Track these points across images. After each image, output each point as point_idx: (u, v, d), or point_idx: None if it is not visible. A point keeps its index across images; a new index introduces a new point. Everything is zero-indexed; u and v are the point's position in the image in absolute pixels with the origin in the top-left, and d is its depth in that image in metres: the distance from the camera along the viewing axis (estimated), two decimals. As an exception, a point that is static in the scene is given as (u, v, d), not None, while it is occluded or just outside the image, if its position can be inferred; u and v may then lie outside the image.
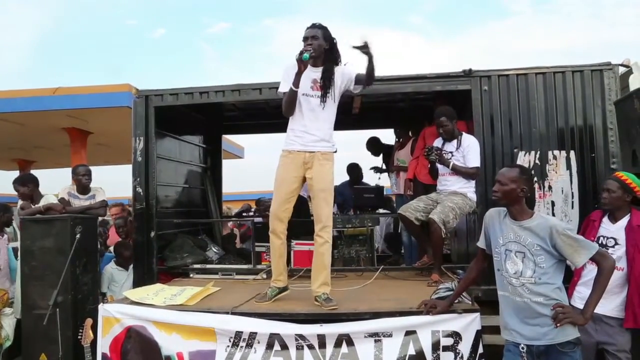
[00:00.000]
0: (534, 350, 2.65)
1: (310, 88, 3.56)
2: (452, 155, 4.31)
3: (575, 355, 2.64)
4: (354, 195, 6.14)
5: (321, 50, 3.50)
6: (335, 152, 3.67)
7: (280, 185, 3.61)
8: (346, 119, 6.09)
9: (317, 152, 3.54)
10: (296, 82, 3.47)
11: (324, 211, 3.53)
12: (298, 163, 3.56)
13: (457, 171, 4.26)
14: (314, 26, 3.52)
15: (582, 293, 3.15)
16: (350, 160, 6.91)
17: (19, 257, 4.76)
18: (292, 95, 3.53)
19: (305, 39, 3.49)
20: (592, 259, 2.64)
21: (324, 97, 3.52)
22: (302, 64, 3.40)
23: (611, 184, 3.24)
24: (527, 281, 2.66)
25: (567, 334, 2.62)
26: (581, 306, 3.01)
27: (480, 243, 2.98)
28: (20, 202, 4.87)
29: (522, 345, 2.68)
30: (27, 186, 4.84)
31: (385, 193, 6.72)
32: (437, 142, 4.54)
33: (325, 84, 3.53)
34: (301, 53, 3.36)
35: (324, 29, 3.52)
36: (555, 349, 2.62)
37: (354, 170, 6.78)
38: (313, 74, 3.53)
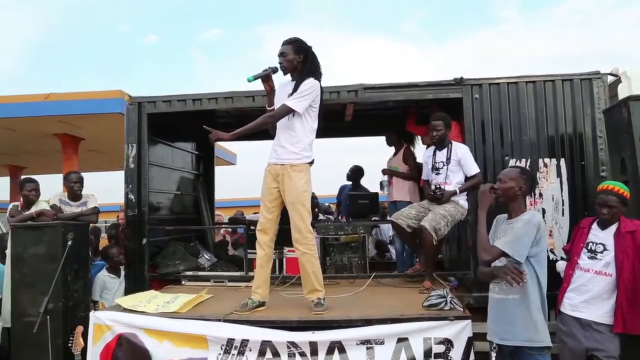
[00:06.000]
0: (505, 349, 2.71)
1: None
2: (444, 165, 4.34)
3: (544, 359, 2.69)
4: (348, 202, 6.15)
5: (293, 64, 3.53)
6: (311, 162, 3.63)
7: (262, 197, 3.67)
8: (338, 125, 6.14)
9: (286, 164, 3.55)
10: (269, 102, 3.67)
11: (295, 224, 3.54)
12: (273, 175, 3.60)
13: (465, 190, 4.27)
14: (283, 43, 3.56)
15: (571, 299, 3.18)
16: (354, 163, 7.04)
17: (5, 264, 4.70)
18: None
19: (278, 55, 3.56)
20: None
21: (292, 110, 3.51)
22: (264, 84, 3.61)
23: (611, 200, 3.15)
24: None
25: (538, 340, 2.67)
26: (570, 312, 3.07)
27: None
28: (9, 208, 4.82)
29: (494, 344, 2.75)
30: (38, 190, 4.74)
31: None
32: (428, 152, 4.56)
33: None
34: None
35: (293, 42, 3.55)
36: (524, 350, 2.67)
37: (354, 173, 6.86)
38: (289, 87, 3.56)
